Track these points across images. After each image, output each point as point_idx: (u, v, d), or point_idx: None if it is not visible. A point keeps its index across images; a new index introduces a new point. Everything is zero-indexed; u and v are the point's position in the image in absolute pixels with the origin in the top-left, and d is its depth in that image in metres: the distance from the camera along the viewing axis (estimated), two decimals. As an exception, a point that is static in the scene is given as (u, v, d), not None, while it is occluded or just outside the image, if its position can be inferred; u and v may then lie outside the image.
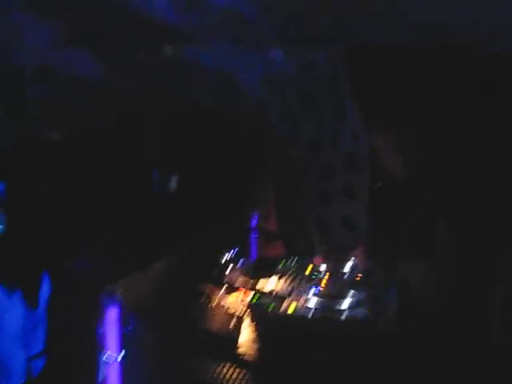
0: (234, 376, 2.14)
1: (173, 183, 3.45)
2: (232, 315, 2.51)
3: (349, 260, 3.25)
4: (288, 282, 2.93)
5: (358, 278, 3.03)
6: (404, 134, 2.50)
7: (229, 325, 2.37)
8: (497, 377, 2.32)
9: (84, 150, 3.05)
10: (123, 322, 2.10)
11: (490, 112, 3.56)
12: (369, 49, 3.98)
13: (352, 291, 2.69)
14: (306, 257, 3.44)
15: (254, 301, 2.58)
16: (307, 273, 3.12)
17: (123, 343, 2.11)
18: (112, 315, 2.09)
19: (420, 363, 2.24)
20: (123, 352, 2.10)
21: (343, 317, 2.41)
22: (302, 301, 2.57)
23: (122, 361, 2.09)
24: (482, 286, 2.49)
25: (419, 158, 2.49)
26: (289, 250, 3.74)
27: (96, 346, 2.06)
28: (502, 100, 3.40)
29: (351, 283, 2.91)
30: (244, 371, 2.18)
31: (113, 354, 2.08)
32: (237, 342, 2.36)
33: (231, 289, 2.90)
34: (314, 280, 2.99)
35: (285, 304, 2.52)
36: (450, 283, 2.46)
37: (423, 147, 2.50)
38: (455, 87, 3.70)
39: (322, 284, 2.92)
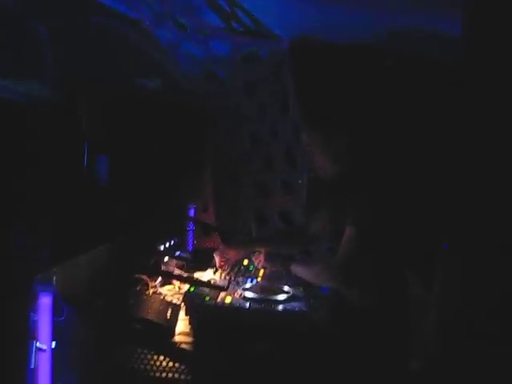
0: (170, 365, 2.12)
1: (109, 170, 3.37)
2: (168, 304, 2.48)
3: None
4: (225, 273, 2.93)
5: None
6: (334, 134, 2.54)
7: (165, 314, 2.34)
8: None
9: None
10: (56, 310, 2.05)
11: (421, 116, 3.70)
12: (311, 45, 4.04)
13: (289, 285, 2.71)
14: (243, 246, 3.43)
15: (191, 290, 2.55)
16: (244, 264, 3.13)
17: (55, 332, 2.05)
18: (45, 303, 2.03)
19: (352, 357, 2.30)
20: (55, 341, 2.05)
21: (280, 309, 2.42)
22: (238, 292, 2.57)
23: (53, 349, 2.04)
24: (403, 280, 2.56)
25: (346, 160, 2.54)
26: (226, 242, 3.74)
27: (28, 333, 2.00)
28: (431, 106, 3.53)
29: (288, 277, 2.93)
30: (180, 360, 2.16)
31: (45, 343, 2.03)
32: (173, 331, 2.34)
33: (168, 279, 2.88)
34: (251, 272, 3.00)
35: (221, 295, 2.51)
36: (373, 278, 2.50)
37: (351, 149, 2.55)
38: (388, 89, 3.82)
39: (259, 276, 2.93)
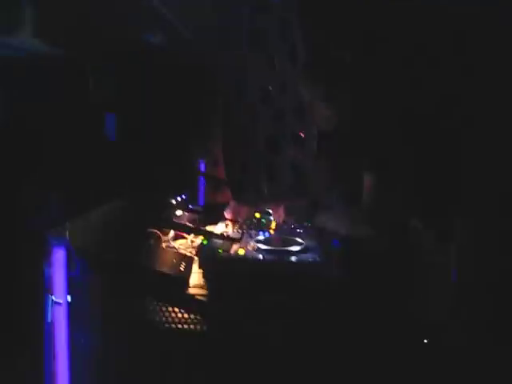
0: (185, 316, 2.13)
1: (119, 126, 3.34)
2: (182, 257, 2.49)
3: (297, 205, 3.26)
4: (237, 226, 2.92)
5: (308, 224, 3.04)
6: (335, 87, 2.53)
7: (179, 266, 2.35)
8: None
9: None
10: (70, 264, 2.06)
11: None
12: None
13: (302, 236, 2.70)
14: (255, 203, 3.43)
15: (204, 243, 2.55)
16: (256, 217, 3.12)
17: (70, 286, 2.07)
18: (59, 257, 2.04)
19: (365, 307, 2.31)
20: (70, 295, 2.07)
21: (293, 260, 2.42)
22: (251, 244, 2.57)
23: (69, 303, 2.06)
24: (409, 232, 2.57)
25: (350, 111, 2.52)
26: (237, 197, 3.73)
27: (43, 287, 2.01)
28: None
29: (300, 229, 2.93)
30: (195, 312, 2.18)
31: (60, 297, 2.05)
32: (187, 283, 2.34)
33: (180, 231, 2.88)
34: (263, 224, 2.99)
35: (234, 247, 2.51)
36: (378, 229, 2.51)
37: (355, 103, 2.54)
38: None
39: (272, 228, 2.93)
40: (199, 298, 2.31)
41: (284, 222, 3.00)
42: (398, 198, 2.44)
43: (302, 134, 4.24)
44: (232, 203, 3.08)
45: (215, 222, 3.05)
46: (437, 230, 2.74)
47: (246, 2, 4.23)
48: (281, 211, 2.92)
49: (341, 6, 3.74)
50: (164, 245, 2.77)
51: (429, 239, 2.85)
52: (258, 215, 3.13)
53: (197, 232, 2.83)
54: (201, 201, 3.71)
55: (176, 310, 2.15)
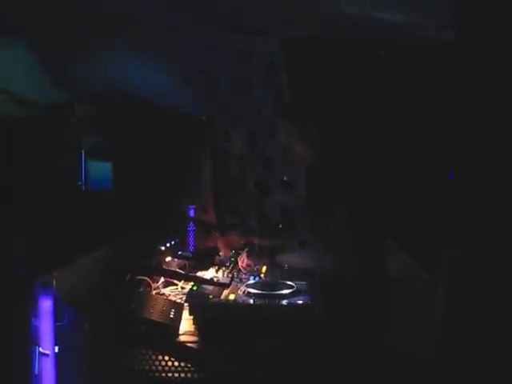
0: (176, 365, 2.10)
1: (109, 174, 3.36)
2: (172, 304, 2.46)
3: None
4: (228, 271, 2.91)
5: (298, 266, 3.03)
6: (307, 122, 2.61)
7: (169, 313, 2.32)
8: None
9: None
10: (57, 314, 2.03)
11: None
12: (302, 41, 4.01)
13: (291, 280, 2.68)
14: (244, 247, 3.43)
15: (194, 289, 2.53)
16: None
17: (58, 336, 2.04)
18: (45, 307, 2.01)
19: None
20: (58, 346, 2.04)
21: (284, 303, 2.40)
22: (242, 289, 2.55)
23: (57, 354, 2.03)
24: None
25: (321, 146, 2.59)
26: (227, 242, 3.72)
27: (30, 338, 1.98)
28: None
29: (290, 272, 2.91)
30: (186, 360, 2.14)
31: (48, 348, 2.02)
32: (178, 331, 2.31)
33: (170, 278, 2.86)
34: (253, 269, 2.97)
35: (225, 292, 2.49)
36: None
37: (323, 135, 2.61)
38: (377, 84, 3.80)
39: (262, 272, 2.91)
40: (190, 345, 2.27)
41: (248, 265, 3.00)
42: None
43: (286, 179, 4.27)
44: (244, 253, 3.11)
45: (206, 268, 3.03)
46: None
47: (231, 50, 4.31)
48: (243, 257, 2.94)
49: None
50: (154, 292, 2.74)
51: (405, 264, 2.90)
52: (248, 259, 3.12)
53: (186, 278, 2.81)
54: (191, 246, 3.69)
55: (166, 358, 2.12)
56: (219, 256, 3.19)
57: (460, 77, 2.06)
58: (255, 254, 2.98)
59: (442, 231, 2.14)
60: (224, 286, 2.54)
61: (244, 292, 2.53)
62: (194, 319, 2.40)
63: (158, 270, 2.78)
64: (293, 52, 4.13)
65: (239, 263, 2.93)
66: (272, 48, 4.23)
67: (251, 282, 2.69)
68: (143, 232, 2.91)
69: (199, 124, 4.27)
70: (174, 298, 2.70)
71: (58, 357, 2.03)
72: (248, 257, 2.89)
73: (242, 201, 4.36)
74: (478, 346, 2.02)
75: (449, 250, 2.14)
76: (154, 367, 2.12)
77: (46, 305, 2.01)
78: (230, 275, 2.81)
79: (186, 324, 2.42)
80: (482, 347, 2.00)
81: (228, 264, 3.00)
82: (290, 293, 2.50)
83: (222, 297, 2.48)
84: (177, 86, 4.29)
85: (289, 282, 2.63)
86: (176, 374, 2.11)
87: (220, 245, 2.97)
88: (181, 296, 2.74)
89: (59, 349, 2.05)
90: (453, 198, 2.11)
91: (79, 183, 3.35)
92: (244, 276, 2.80)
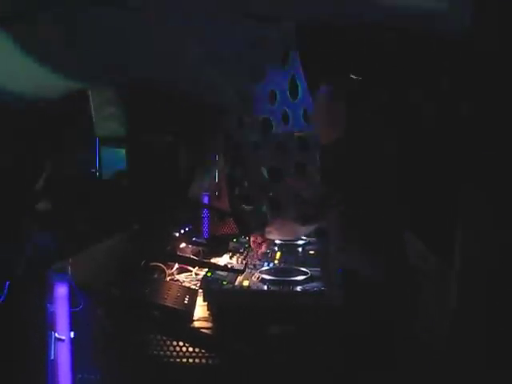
0: (190, 350, 2.10)
1: (123, 161, 3.37)
2: (186, 290, 2.47)
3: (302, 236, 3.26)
4: (241, 257, 2.91)
5: (312, 252, 3.03)
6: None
7: (183, 300, 2.33)
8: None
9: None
10: (73, 300, 2.04)
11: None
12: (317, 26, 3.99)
13: (306, 267, 2.68)
14: (259, 233, 3.43)
15: (209, 275, 2.54)
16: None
17: (74, 322, 2.05)
18: (61, 293, 2.03)
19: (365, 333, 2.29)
20: (74, 331, 2.05)
21: (298, 289, 2.40)
22: (256, 275, 2.55)
23: (72, 340, 2.04)
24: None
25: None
26: (242, 228, 3.73)
27: (46, 324, 2.00)
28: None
29: (305, 259, 2.91)
30: (200, 345, 2.15)
31: (63, 333, 2.03)
32: (192, 316, 2.32)
33: (184, 264, 2.87)
34: (267, 255, 2.97)
35: (239, 279, 2.49)
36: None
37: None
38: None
39: (276, 259, 2.91)
40: (204, 331, 2.28)
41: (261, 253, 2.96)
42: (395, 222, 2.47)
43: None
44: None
45: (220, 254, 3.04)
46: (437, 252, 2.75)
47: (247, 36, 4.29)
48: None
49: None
50: (168, 278, 2.76)
51: (430, 262, 2.87)
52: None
53: (200, 265, 2.82)
54: (205, 233, 3.70)
55: (181, 343, 2.12)
56: (233, 242, 3.19)
57: (477, 69, 2.02)
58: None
59: (457, 221, 2.12)
60: (238, 272, 2.55)
61: (258, 278, 2.53)
62: (208, 305, 2.41)
63: (172, 257, 2.79)
64: (307, 38, 4.11)
65: (251, 244, 2.88)
66: (286, 34, 4.21)
67: (265, 268, 2.69)
68: (157, 219, 2.91)
69: (213, 111, 4.27)
70: (188, 285, 2.71)
71: (73, 342, 2.04)
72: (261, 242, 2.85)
73: (255, 187, 4.37)
74: (490, 340, 2.01)
75: (463, 239, 2.12)
76: (168, 353, 2.13)
77: (61, 291, 2.02)
78: (244, 261, 2.81)
79: (201, 310, 2.43)
80: (494, 342, 1.99)
81: (242, 250, 3.01)
82: (303, 279, 2.49)
83: (237, 283, 2.48)
84: (190, 74, 4.29)
85: (303, 269, 2.63)
86: (190, 360, 2.11)
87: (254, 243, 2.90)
88: (195, 282, 2.75)
89: (75, 334, 2.06)
90: (467, 188, 2.09)
91: (93, 170, 3.36)
92: (258, 262, 2.80)
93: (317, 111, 2.79)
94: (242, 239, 3.28)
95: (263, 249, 2.83)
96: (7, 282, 2.26)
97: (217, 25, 4.01)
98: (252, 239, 2.87)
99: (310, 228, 2.77)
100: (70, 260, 2.07)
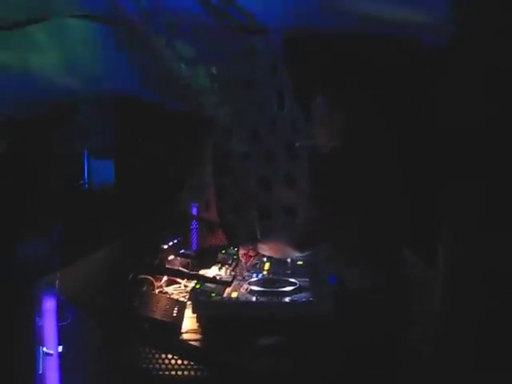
0: (179, 363, 2.10)
1: (110, 172, 3.37)
2: (174, 302, 2.47)
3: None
4: (230, 269, 2.91)
5: (301, 263, 3.04)
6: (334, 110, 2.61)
7: (171, 312, 2.33)
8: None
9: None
10: (61, 314, 2.04)
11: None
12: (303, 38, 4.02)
13: (294, 277, 2.69)
14: (248, 244, 3.44)
15: (197, 287, 2.54)
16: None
17: (62, 336, 2.04)
18: (49, 307, 2.02)
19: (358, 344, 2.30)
20: (62, 345, 2.04)
21: (286, 300, 2.40)
22: (244, 286, 2.55)
23: (61, 354, 2.03)
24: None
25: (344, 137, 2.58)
26: (231, 239, 3.73)
27: (34, 338, 1.99)
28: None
29: (293, 269, 2.92)
30: (188, 358, 2.15)
31: (51, 347, 2.02)
32: (180, 329, 2.32)
33: (173, 277, 2.87)
34: (256, 266, 2.98)
35: (227, 290, 2.50)
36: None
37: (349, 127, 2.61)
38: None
39: (265, 270, 2.92)
40: (193, 343, 2.28)
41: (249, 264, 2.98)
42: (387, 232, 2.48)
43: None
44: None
45: (208, 266, 3.04)
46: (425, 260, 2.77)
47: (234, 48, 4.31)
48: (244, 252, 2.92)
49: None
50: (157, 290, 2.76)
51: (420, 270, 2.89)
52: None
53: (188, 277, 2.82)
54: (194, 244, 3.70)
55: (169, 356, 2.12)
56: (222, 254, 3.20)
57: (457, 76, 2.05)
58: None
59: (440, 227, 2.15)
60: (225, 284, 2.55)
61: (247, 289, 2.54)
62: (197, 317, 2.41)
63: (160, 269, 2.79)
64: (295, 50, 4.14)
65: (241, 257, 2.90)
66: (274, 47, 4.24)
67: (254, 279, 2.70)
68: (146, 231, 2.91)
69: (201, 122, 4.28)
70: (177, 297, 2.71)
71: (61, 356, 2.03)
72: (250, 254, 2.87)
73: (244, 198, 4.38)
74: (479, 344, 2.03)
75: (447, 245, 2.14)
76: (157, 365, 2.12)
77: (49, 305, 2.02)
78: (232, 273, 2.82)
79: (190, 322, 2.43)
80: (483, 345, 2.01)
81: (230, 261, 3.01)
82: (292, 290, 2.50)
83: (225, 294, 2.49)
84: (177, 84, 4.31)
85: (291, 279, 2.63)
86: (179, 372, 2.11)
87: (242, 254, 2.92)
88: (184, 294, 2.75)
89: (63, 348, 2.05)
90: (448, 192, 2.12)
91: (82, 182, 3.36)
92: (247, 273, 2.81)
93: (315, 122, 2.81)
94: (231, 250, 3.30)
95: (252, 261, 2.85)
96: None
97: (205, 38, 4.04)
98: (242, 252, 2.88)
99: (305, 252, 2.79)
100: (58, 273, 2.07)
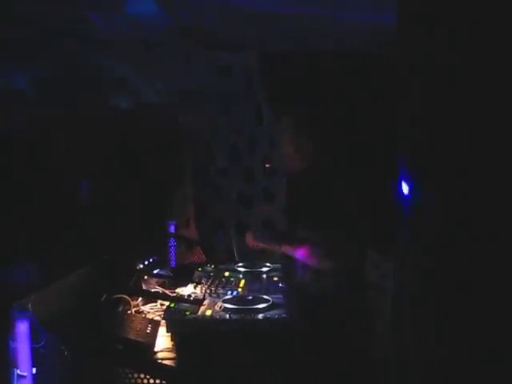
0: (152, 382, 2.13)
1: (87, 191, 3.40)
2: (148, 322, 2.50)
3: (267, 263, 3.32)
4: (206, 286, 2.95)
5: (276, 279, 3.08)
6: (304, 136, 2.70)
7: (145, 331, 2.36)
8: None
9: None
10: (34, 336, 2.06)
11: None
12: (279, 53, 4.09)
13: (269, 294, 2.73)
14: (226, 261, 3.49)
15: (171, 306, 2.57)
16: (225, 277, 3.14)
17: (35, 358, 2.07)
18: (22, 330, 2.04)
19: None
20: (36, 367, 2.07)
21: (259, 317, 2.44)
22: (219, 304, 2.59)
23: (34, 376, 2.06)
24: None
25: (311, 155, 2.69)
26: (209, 256, 3.77)
27: (7, 361, 2.01)
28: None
29: (268, 286, 2.96)
30: (162, 377, 2.17)
31: (25, 370, 2.04)
32: (153, 347, 2.35)
33: (148, 297, 2.89)
34: (232, 283, 3.01)
35: (202, 308, 2.53)
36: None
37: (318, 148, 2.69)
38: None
39: (240, 287, 2.95)
40: (167, 362, 2.31)
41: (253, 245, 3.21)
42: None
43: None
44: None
45: (185, 284, 3.06)
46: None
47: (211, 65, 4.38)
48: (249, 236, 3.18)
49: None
50: (134, 309, 2.78)
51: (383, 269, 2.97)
52: (226, 274, 3.16)
53: (161, 297, 2.85)
54: (172, 262, 3.72)
55: (142, 375, 2.15)
56: (198, 271, 3.23)
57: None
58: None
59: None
60: (196, 303, 2.58)
61: (221, 307, 2.57)
62: (171, 335, 2.44)
63: (134, 291, 2.81)
64: (270, 65, 4.21)
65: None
66: (249, 62, 4.30)
67: (228, 296, 2.73)
68: (121, 251, 2.94)
69: (180, 137, 4.32)
70: (153, 315, 2.74)
71: (35, 378, 2.06)
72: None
73: (224, 213, 4.43)
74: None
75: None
76: (131, 384, 2.15)
77: (22, 328, 2.04)
78: (207, 291, 2.85)
79: (165, 341, 2.46)
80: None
81: (205, 279, 3.05)
82: (265, 307, 2.54)
83: (199, 313, 2.52)
84: (157, 100, 4.36)
85: (265, 296, 2.67)
86: (154, 392, 2.14)
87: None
88: (160, 313, 2.78)
89: (37, 370, 2.07)
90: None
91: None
92: (221, 291, 2.84)
93: (282, 141, 2.90)
94: (207, 268, 3.33)
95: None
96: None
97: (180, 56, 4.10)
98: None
99: None
100: (32, 296, 2.09)
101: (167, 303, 2.83)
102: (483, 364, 1.84)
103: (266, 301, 2.61)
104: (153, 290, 2.99)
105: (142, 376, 2.14)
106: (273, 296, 2.69)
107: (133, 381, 2.14)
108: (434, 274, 1.94)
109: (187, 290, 2.93)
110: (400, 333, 2.14)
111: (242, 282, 3.03)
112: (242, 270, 3.24)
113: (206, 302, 2.65)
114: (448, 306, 1.92)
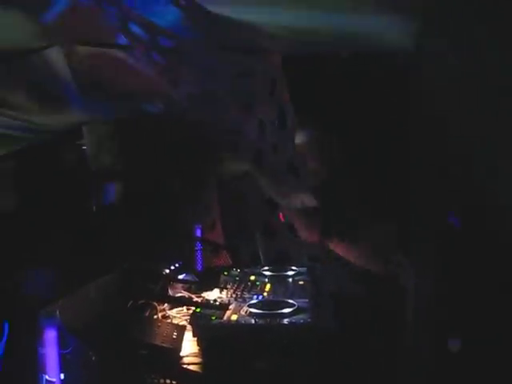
0: (178, 387, 2.15)
1: (111, 196, 3.42)
2: (175, 327, 2.51)
3: (293, 267, 3.31)
4: (232, 291, 2.95)
5: (302, 283, 3.07)
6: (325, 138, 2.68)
7: (171, 336, 2.37)
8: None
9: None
10: (62, 342, 2.09)
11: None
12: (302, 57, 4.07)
13: (295, 298, 2.73)
14: (252, 265, 3.49)
15: (198, 311, 2.58)
16: (251, 281, 3.14)
17: (63, 363, 2.09)
18: (50, 336, 2.07)
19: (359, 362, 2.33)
20: (64, 373, 2.09)
21: (285, 322, 2.43)
22: (244, 309, 2.59)
23: (62, 381, 2.08)
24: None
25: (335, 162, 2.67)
26: (235, 260, 3.77)
27: (37, 367, 2.04)
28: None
29: (294, 290, 2.96)
30: (188, 382, 2.19)
31: (54, 375, 2.07)
32: (179, 352, 2.36)
33: (174, 303, 2.91)
34: (257, 287, 3.01)
35: (228, 313, 2.53)
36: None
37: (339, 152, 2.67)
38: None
39: (266, 291, 2.95)
40: (193, 367, 2.32)
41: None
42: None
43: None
44: None
45: (211, 288, 3.07)
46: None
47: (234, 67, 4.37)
48: None
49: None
50: (160, 314, 2.79)
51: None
52: (252, 278, 3.16)
53: (186, 303, 2.86)
54: (199, 266, 3.73)
55: (168, 381, 2.16)
56: (224, 275, 3.24)
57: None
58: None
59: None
60: (223, 307, 2.59)
61: (246, 312, 2.57)
62: (197, 340, 2.45)
63: (159, 296, 2.83)
64: (292, 68, 4.19)
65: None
66: (273, 64, 4.28)
67: (253, 301, 2.73)
68: (147, 256, 2.96)
69: (205, 142, 4.32)
70: (179, 320, 2.75)
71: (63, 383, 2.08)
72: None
73: (249, 218, 4.41)
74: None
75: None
76: (158, 391, 2.16)
77: (50, 334, 2.07)
78: (233, 295, 2.85)
79: (191, 346, 2.47)
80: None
81: (231, 284, 3.05)
82: (290, 311, 2.53)
83: (225, 318, 2.52)
84: (183, 105, 4.36)
85: (290, 301, 2.66)
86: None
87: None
88: (187, 317, 2.79)
89: (65, 376, 2.10)
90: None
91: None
92: (247, 295, 2.84)
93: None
94: (233, 272, 3.33)
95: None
96: (6, 323, 2.30)
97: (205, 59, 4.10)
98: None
99: None
100: (60, 301, 2.12)
101: (193, 308, 2.85)
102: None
103: (292, 305, 2.61)
104: (179, 295, 3.01)
105: (168, 381, 2.17)
106: (298, 300, 2.68)
107: (161, 384, 2.16)
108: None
109: (213, 295, 2.94)
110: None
111: (268, 286, 3.03)
112: (268, 273, 3.24)
113: (231, 307, 2.66)
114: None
